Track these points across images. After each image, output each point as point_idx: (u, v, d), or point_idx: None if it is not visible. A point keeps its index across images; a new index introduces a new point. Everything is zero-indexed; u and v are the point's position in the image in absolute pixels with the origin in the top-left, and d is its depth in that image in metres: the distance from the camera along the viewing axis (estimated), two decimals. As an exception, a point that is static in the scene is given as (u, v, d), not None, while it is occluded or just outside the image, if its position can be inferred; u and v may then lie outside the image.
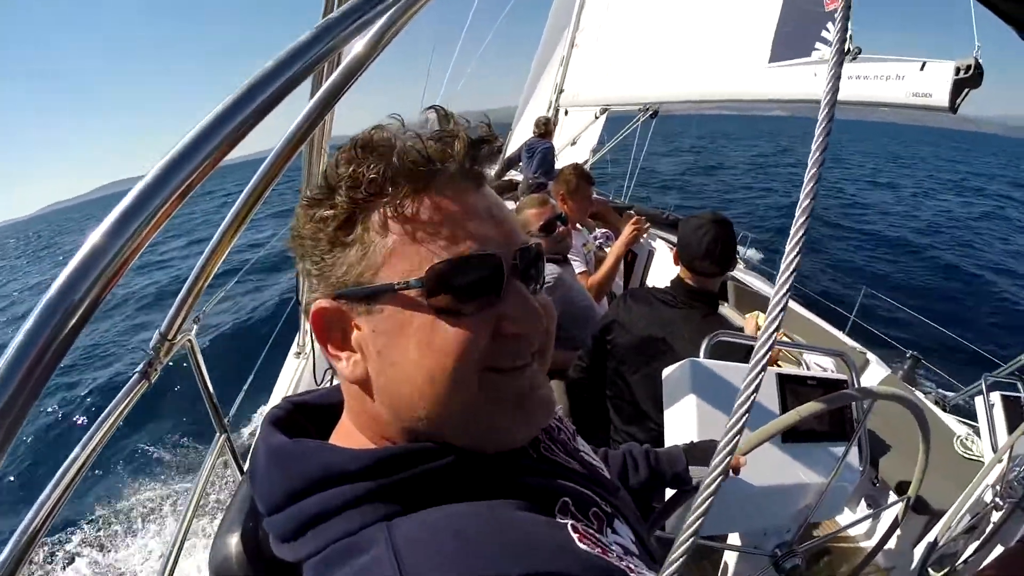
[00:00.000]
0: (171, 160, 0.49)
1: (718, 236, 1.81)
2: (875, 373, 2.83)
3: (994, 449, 1.96)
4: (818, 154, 0.52)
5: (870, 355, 2.88)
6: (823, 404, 1.08)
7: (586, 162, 6.35)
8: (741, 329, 3.16)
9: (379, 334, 0.48)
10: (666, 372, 1.46)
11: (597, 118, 5.78)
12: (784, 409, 1.37)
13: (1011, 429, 2.03)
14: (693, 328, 1.72)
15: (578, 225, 3.28)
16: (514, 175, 6.39)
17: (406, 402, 0.48)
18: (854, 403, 1.42)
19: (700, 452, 1.13)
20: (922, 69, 2.40)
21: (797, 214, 0.50)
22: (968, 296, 10.78)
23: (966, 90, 2.27)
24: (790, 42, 3.29)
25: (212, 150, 0.50)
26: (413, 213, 0.47)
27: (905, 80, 2.48)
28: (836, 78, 0.55)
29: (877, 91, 2.63)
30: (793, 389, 1.42)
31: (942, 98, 2.31)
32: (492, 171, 0.56)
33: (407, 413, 0.49)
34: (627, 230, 3.04)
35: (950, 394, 2.98)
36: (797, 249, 0.49)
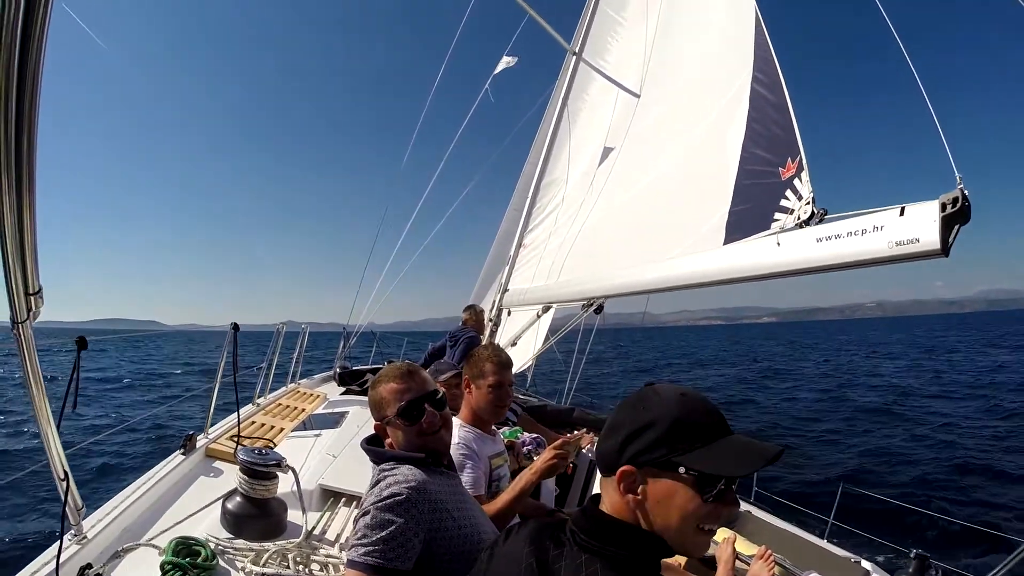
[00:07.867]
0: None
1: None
2: None
3: None
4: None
5: (865, 563, 2.49)
6: None
7: (526, 365, 5.96)
8: None
9: None
10: None
11: (539, 316, 5.42)
12: None
13: None
14: None
15: (494, 428, 2.52)
16: None
17: None
18: None
19: None
20: (902, 214, 2.07)
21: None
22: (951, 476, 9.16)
23: (956, 226, 1.88)
24: (747, 219, 3.07)
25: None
26: None
27: (884, 230, 2.08)
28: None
29: (854, 248, 2.21)
30: None
31: (931, 240, 1.90)
32: None
33: None
34: (546, 455, 2.20)
35: None
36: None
